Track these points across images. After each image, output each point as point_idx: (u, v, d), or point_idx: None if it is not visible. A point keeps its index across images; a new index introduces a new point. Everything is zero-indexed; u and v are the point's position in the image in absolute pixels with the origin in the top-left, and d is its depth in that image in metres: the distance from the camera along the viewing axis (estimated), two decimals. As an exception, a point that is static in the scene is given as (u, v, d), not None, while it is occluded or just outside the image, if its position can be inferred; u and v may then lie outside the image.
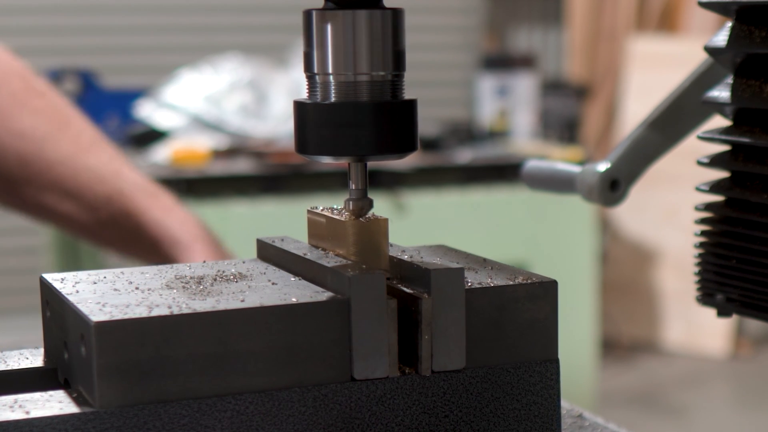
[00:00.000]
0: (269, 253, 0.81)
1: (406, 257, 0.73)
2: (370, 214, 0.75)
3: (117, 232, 1.38)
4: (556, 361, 0.73)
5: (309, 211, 0.79)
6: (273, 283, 0.73)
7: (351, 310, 0.68)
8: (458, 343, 0.69)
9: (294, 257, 0.77)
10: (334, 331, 0.68)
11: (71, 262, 3.59)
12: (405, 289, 0.71)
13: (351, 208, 0.75)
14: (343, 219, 0.75)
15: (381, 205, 3.10)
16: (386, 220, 0.75)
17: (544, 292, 0.72)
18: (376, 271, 0.69)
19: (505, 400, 0.72)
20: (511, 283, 0.72)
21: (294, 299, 0.69)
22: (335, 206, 0.79)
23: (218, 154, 3.32)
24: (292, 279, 0.75)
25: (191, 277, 0.75)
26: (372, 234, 0.74)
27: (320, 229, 0.78)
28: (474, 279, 0.73)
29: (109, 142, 1.42)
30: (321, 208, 0.79)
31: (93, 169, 1.36)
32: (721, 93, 0.82)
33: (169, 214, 1.35)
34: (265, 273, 0.77)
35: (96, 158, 1.37)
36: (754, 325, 4.94)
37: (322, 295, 0.70)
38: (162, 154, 3.25)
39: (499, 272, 0.75)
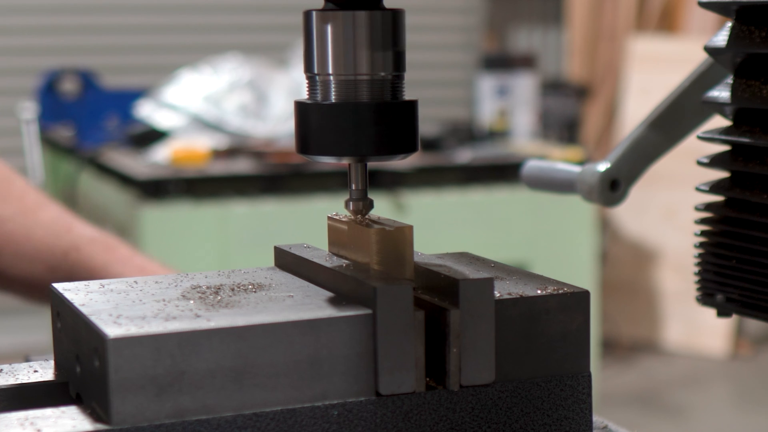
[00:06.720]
0: (287, 261, 0.78)
1: (431, 266, 0.71)
2: (370, 214, 0.74)
3: None
4: (589, 375, 0.70)
5: (329, 218, 0.77)
6: (293, 294, 0.71)
7: (377, 322, 0.65)
8: (488, 356, 0.67)
9: (314, 266, 0.74)
10: (359, 345, 0.65)
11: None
12: (432, 300, 0.68)
13: (351, 208, 0.74)
14: (366, 226, 0.72)
15: (381, 205, 3.08)
16: (411, 227, 0.72)
17: (577, 302, 0.69)
18: (402, 281, 0.67)
19: (535, 416, 0.69)
20: (542, 293, 0.69)
21: (317, 312, 0.66)
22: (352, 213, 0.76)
23: (218, 154, 3.30)
24: (313, 289, 0.72)
25: (208, 287, 0.73)
26: (397, 242, 0.71)
27: (341, 237, 0.75)
28: (503, 289, 0.70)
29: (51, 200, 1.38)
30: (335, 213, 0.77)
31: (45, 226, 1.31)
32: (721, 93, 0.82)
33: (128, 267, 1.29)
34: (284, 283, 0.74)
35: (46, 215, 1.32)
36: (754, 325, 4.92)
37: (347, 307, 0.67)
38: (162, 154, 3.23)
39: (528, 281, 0.72)
